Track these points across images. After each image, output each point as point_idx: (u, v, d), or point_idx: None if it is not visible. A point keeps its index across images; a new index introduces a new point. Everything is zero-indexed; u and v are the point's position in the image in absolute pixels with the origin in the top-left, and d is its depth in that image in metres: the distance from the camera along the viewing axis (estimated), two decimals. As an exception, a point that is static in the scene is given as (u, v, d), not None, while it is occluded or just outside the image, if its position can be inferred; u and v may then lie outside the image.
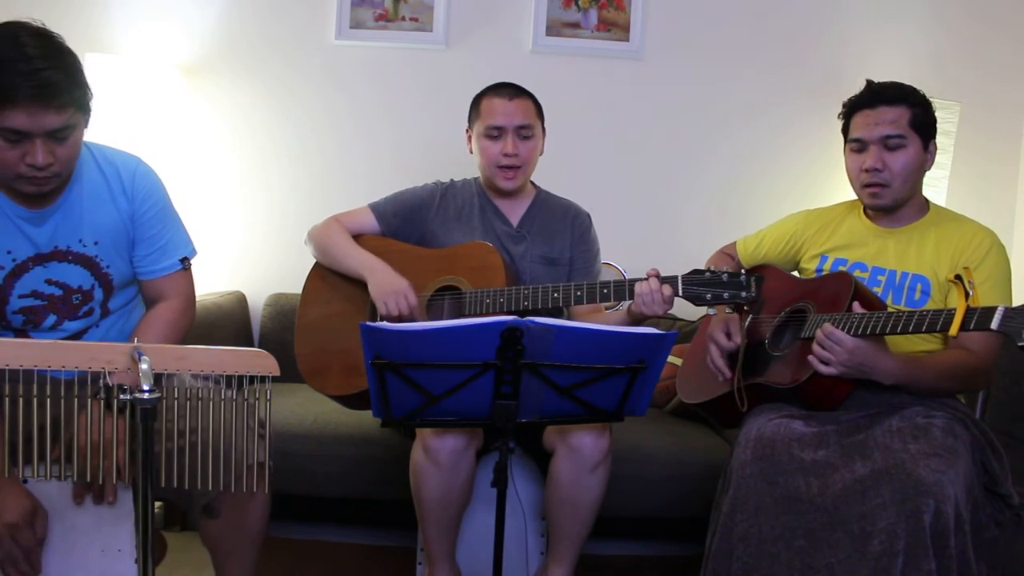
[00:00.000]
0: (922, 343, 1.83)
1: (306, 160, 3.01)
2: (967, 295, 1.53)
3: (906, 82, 1.89)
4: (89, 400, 1.43)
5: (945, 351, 1.80)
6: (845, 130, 1.93)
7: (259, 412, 1.44)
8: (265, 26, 2.97)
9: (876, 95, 1.87)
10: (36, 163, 1.47)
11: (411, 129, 2.99)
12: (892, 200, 1.87)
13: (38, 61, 1.42)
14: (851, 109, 1.91)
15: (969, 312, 1.50)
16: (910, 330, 1.59)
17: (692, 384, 2.09)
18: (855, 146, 1.89)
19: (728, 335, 1.93)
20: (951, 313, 1.53)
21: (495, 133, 2.11)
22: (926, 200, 1.94)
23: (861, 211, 1.98)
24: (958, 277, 1.55)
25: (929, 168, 1.90)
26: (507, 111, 2.10)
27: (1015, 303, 1.53)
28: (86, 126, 1.56)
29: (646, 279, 1.84)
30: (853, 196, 2.06)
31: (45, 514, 1.52)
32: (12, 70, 1.40)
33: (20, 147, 1.47)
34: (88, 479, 1.47)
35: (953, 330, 1.51)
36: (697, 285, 1.80)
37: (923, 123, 1.85)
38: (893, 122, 1.83)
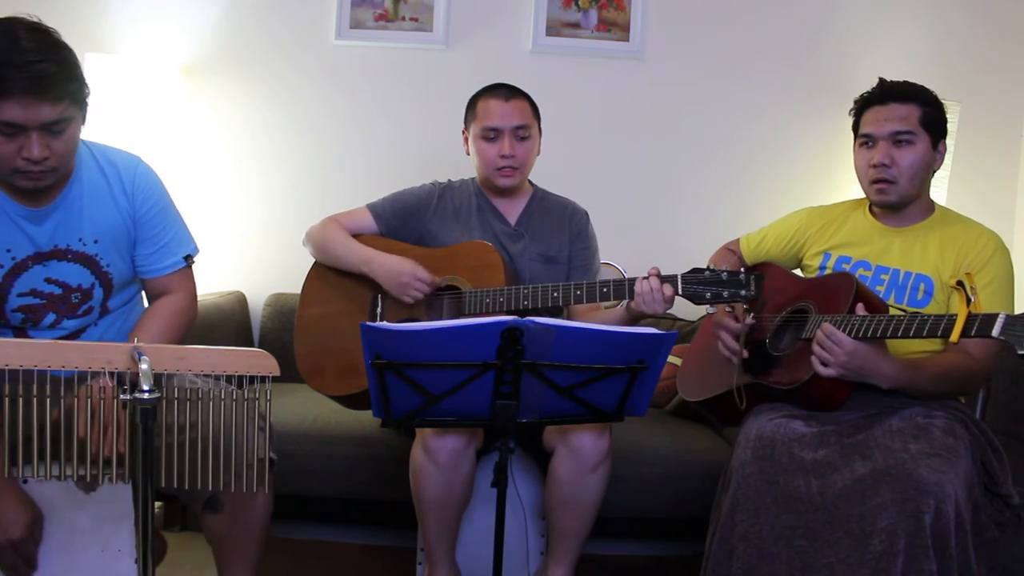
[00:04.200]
0: (921, 345, 1.83)
1: (306, 160, 3.01)
2: (968, 301, 1.52)
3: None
4: (89, 379, 1.42)
5: (943, 354, 1.80)
6: (856, 126, 1.93)
7: (260, 407, 1.44)
8: (265, 26, 2.97)
9: (888, 92, 1.88)
10: (32, 156, 1.47)
11: (411, 129, 2.99)
12: (899, 197, 1.87)
13: (32, 54, 1.43)
14: (863, 105, 1.92)
15: (970, 318, 1.50)
16: (911, 335, 1.59)
17: (693, 382, 2.09)
18: (865, 141, 1.89)
19: (736, 319, 1.93)
20: (952, 319, 1.52)
21: (491, 135, 2.11)
22: (932, 201, 1.94)
23: (866, 209, 1.97)
24: (960, 283, 1.54)
25: (938, 169, 1.90)
26: (503, 112, 2.10)
27: (1017, 305, 1.52)
28: (83, 122, 1.56)
29: (646, 278, 1.84)
30: (854, 195, 2.07)
31: (42, 518, 1.52)
32: (7, 63, 1.41)
33: (16, 140, 1.47)
34: (87, 467, 1.46)
35: (954, 336, 1.50)
36: (697, 284, 1.80)
37: (934, 122, 1.85)
38: (903, 119, 1.84)
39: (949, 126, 2.68)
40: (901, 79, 1.92)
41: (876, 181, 1.86)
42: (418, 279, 2.01)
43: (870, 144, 1.87)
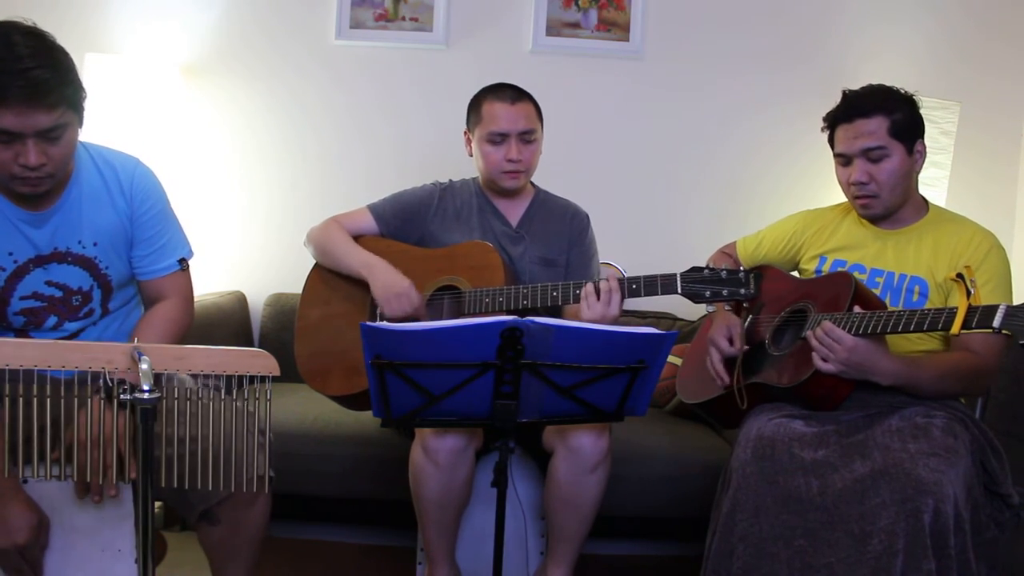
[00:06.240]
0: (922, 344, 1.83)
1: (306, 160, 3.01)
2: (968, 293, 1.52)
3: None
4: (89, 400, 1.42)
5: (946, 352, 1.79)
6: (831, 142, 1.92)
7: (259, 418, 1.44)
8: (265, 26, 2.97)
9: (852, 108, 1.85)
10: (29, 163, 1.46)
11: (411, 129, 2.99)
12: (883, 209, 1.87)
13: (27, 60, 1.41)
14: (832, 123, 1.90)
15: (971, 311, 1.50)
16: (911, 329, 1.59)
17: (692, 384, 2.09)
18: (840, 160, 1.89)
19: (730, 340, 1.92)
20: (952, 312, 1.52)
21: (498, 139, 2.10)
22: (925, 200, 1.93)
23: None
24: (959, 276, 1.55)
25: (919, 169, 1.88)
26: (510, 117, 2.09)
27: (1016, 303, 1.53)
28: (80, 125, 1.55)
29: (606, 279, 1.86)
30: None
31: (48, 522, 1.52)
32: (1, 69, 1.39)
33: (12, 147, 1.46)
34: (88, 478, 1.46)
35: (955, 328, 1.50)
36: (696, 283, 1.80)
37: (905, 128, 1.82)
38: (872, 134, 1.81)
39: (949, 126, 2.71)
40: (882, 81, 1.88)
41: (858, 197, 1.86)
42: (408, 299, 2.00)
43: (846, 162, 1.87)
